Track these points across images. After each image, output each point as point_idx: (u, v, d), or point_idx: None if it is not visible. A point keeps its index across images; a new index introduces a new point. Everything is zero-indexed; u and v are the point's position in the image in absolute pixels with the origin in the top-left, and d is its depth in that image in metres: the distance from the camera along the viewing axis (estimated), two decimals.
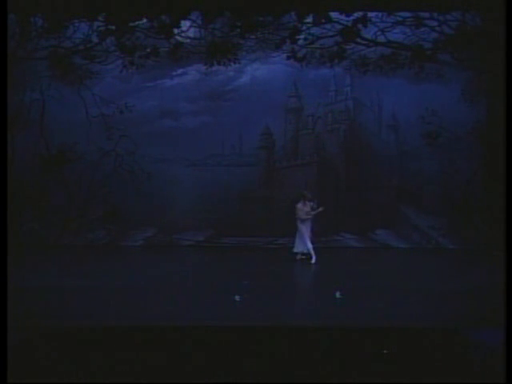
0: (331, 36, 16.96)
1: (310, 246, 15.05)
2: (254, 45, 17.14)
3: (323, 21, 16.77)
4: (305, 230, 15.10)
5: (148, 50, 17.03)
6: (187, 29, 17.12)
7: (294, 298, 11.79)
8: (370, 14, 16.74)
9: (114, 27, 16.85)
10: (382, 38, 17.03)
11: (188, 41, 17.20)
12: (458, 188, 17.19)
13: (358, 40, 17.02)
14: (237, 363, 8.34)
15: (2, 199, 8.69)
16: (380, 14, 16.81)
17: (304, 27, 16.92)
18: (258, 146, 17.78)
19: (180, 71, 17.61)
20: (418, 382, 7.99)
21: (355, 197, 17.63)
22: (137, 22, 16.82)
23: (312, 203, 15.19)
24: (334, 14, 16.76)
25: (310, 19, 16.83)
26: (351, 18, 16.73)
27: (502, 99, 10.38)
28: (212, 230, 17.74)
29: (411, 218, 17.65)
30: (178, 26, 16.97)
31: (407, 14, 16.88)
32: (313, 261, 14.97)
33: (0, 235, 8.40)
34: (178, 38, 17.09)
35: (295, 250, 15.34)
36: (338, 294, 11.66)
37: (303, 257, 15.24)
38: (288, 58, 17.09)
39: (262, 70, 17.58)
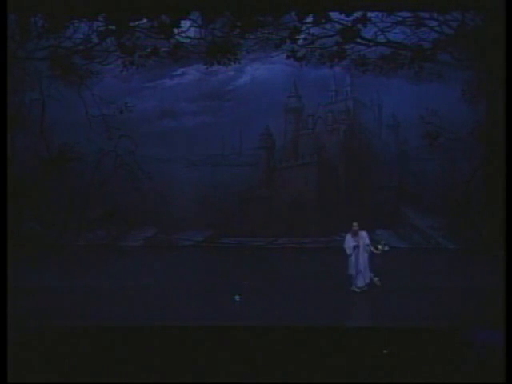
0: (331, 36, 16.94)
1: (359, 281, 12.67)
2: (254, 45, 17.13)
3: (323, 21, 16.76)
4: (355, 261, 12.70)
5: (148, 50, 17.01)
6: (187, 29, 17.10)
7: (293, 298, 11.79)
8: (369, 14, 16.74)
9: (114, 27, 16.84)
10: (381, 38, 17.02)
11: (188, 41, 17.19)
12: (457, 188, 17.16)
13: (358, 40, 17.01)
14: (237, 363, 8.34)
15: (2, 199, 8.69)
16: (380, 14, 16.79)
17: (304, 27, 16.91)
18: (258, 145, 17.74)
19: (180, 71, 17.58)
20: (418, 381, 8.00)
21: (355, 197, 17.61)
22: (137, 22, 16.80)
23: (366, 238, 12.82)
24: (333, 14, 16.75)
25: (310, 19, 16.82)
26: (351, 17, 16.73)
27: (502, 99, 10.43)
28: (212, 229, 17.70)
29: (411, 218, 17.62)
30: (178, 26, 16.96)
31: (407, 14, 16.86)
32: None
33: (0, 235, 8.41)
34: (178, 37, 17.07)
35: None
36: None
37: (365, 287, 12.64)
38: (288, 57, 17.08)
39: (261, 70, 17.56)
